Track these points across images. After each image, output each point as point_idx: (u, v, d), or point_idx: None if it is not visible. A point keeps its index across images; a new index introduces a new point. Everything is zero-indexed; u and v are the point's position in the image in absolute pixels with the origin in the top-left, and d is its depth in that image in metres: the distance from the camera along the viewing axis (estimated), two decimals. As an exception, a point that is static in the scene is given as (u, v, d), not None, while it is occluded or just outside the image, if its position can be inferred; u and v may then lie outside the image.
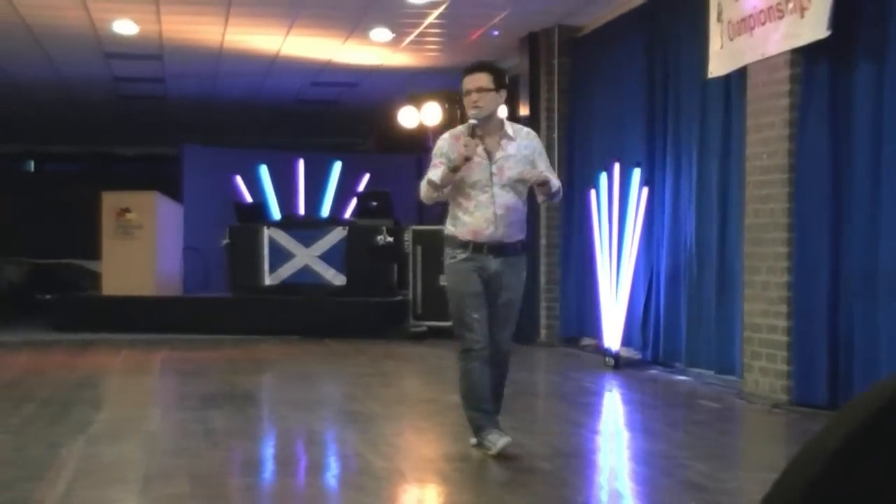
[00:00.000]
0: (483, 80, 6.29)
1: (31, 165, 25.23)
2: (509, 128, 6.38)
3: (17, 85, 16.79)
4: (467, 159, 6.13)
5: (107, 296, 15.41)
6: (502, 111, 6.59)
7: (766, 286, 8.41)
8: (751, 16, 8.47)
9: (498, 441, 6.15)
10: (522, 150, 6.32)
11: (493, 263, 6.26)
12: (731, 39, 8.82)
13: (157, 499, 5.18)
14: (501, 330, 6.35)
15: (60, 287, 18.25)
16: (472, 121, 6.22)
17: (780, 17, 8.05)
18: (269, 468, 6.36)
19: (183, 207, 17.84)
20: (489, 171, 6.24)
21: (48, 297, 16.60)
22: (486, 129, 6.28)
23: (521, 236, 6.36)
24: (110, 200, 15.54)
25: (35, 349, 12.78)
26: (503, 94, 6.37)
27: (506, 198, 6.24)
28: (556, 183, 6.31)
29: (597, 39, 12.55)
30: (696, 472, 5.82)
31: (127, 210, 15.42)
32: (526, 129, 6.56)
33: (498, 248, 6.26)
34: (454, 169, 6.15)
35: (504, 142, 6.31)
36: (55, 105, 18.66)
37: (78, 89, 17.19)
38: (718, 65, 9.13)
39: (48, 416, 7.68)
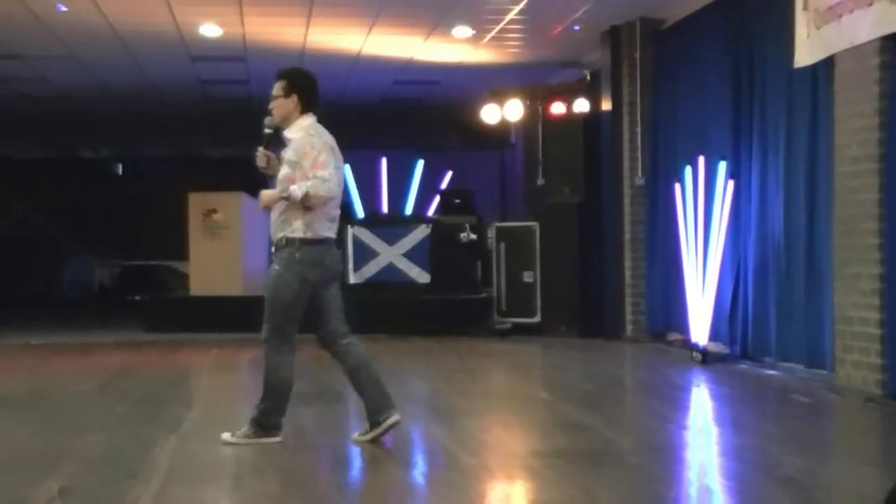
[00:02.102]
0: (275, 88, 6.62)
1: (120, 168, 25.63)
2: (293, 132, 6.56)
3: (106, 89, 17.07)
4: (262, 169, 6.57)
5: (195, 296, 15.59)
6: (308, 117, 6.63)
7: (858, 278, 8.27)
8: (839, 3, 8.32)
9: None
10: (289, 153, 6.52)
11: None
12: (818, 28, 8.68)
13: (249, 497, 5.23)
14: None
15: (149, 288, 18.53)
16: (266, 130, 6.58)
17: (870, 4, 7.90)
18: (358, 465, 6.39)
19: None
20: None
21: (138, 297, 16.84)
22: (285, 135, 6.60)
23: (282, 233, 6.49)
24: (197, 201, 15.71)
25: (127, 349, 12.97)
26: (294, 98, 6.58)
27: None
28: (296, 190, 6.33)
29: (680, 32, 12.43)
30: (791, 468, 5.74)
31: (213, 211, 15.58)
32: (303, 133, 6.53)
33: (272, 245, 6.61)
34: (270, 176, 6.61)
35: (287, 146, 6.57)
36: (143, 109, 18.93)
37: (165, 93, 17.42)
38: (805, 54, 8.98)
39: (141, 415, 7.80)
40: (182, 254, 16.25)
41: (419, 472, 6.05)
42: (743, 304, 10.61)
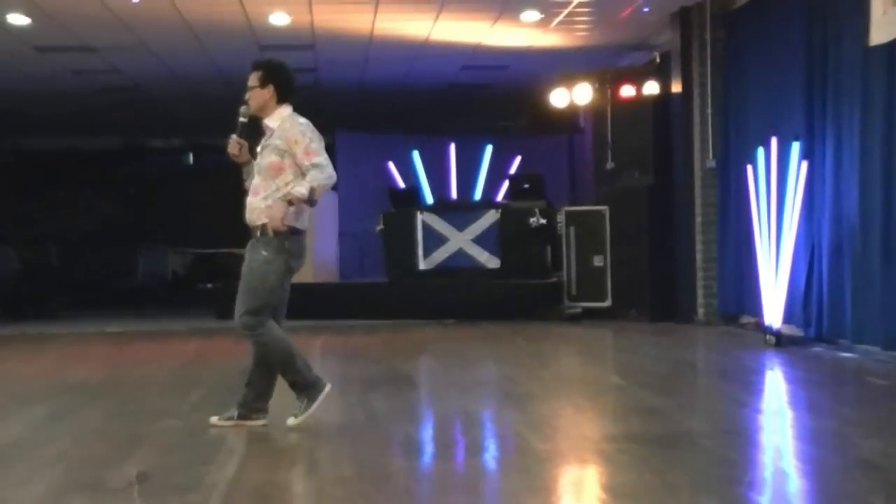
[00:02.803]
0: (251, 78, 6.74)
1: (191, 158, 25.87)
2: (274, 121, 6.66)
3: (176, 79, 17.23)
4: (234, 156, 6.72)
5: (266, 283, 15.69)
6: (286, 107, 6.73)
7: (936, 259, 8.12)
8: (914, -21, 8.17)
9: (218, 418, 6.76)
10: (275, 142, 6.59)
11: (248, 244, 6.70)
12: (894, 5, 8.53)
13: (323, 481, 5.26)
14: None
15: (221, 275, 18.69)
16: (241, 119, 6.71)
17: (946, -20, 7.75)
18: (430, 450, 6.40)
19: (337, 194, 18.06)
20: (255, 163, 6.69)
21: (210, 285, 17.01)
22: (266, 124, 6.70)
23: (264, 220, 6.55)
24: (267, 189, 15.79)
25: (200, 337, 13.11)
26: (270, 88, 6.68)
27: (255, 185, 6.64)
28: (302, 190, 6.41)
29: (752, 11, 12.27)
30: (869, 450, 5.66)
31: (284, 199, 15.66)
32: (290, 122, 6.63)
33: (251, 231, 6.70)
34: (240, 163, 6.79)
35: (267, 134, 6.66)
36: (212, 98, 19.08)
37: (234, 81, 17.53)
38: (881, 32, 8.84)
39: (215, 402, 7.86)
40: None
41: (491, 456, 6.04)
42: (817, 286, 10.47)
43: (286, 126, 6.61)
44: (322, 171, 6.45)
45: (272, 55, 15.87)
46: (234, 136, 6.72)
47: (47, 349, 12.13)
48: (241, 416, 6.68)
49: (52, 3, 12.33)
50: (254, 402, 6.70)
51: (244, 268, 6.65)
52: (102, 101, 19.23)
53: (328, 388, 6.67)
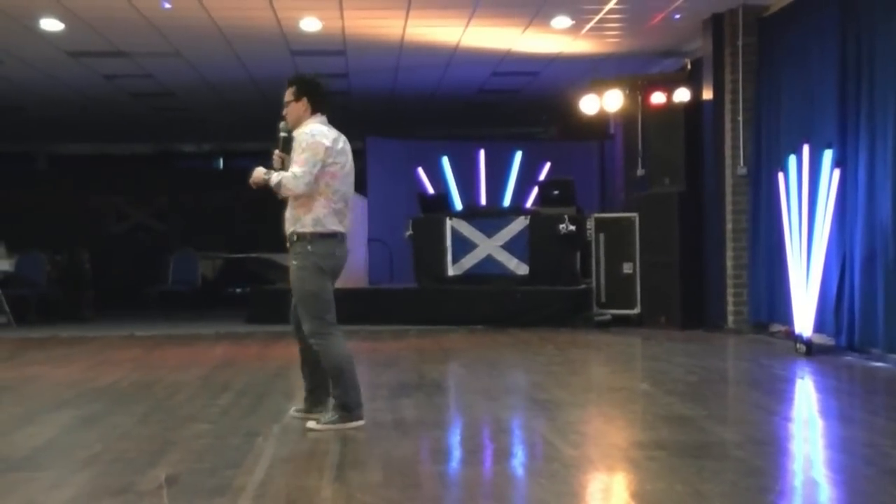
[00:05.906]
0: (287, 94, 6.95)
1: (220, 162, 25.97)
2: (298, 131, 6.81)
3: (208, 84, 17.31)
4: (278, 170, 6.78)
5: (295, 288, 15.74)
6: (316, 118, 6.90)
7: (969, 268, 8.06)
8: (948, -14, 8.12)
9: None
10: (293, 151, 6.79)
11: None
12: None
13: (351, 486, 5.26)
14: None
15: (250, 280, 18.76)
16: (281, 134, 6.89)
17: (980, -13, 7.69)
18: (458, 456, 6.39)
19: (367, 200, 18.10)
20: None
21: (239, 290, 17.05)
22: (294, 135, 6.87)
23: (293, 228, 6.83)
24: (297, 195, 15.83)
25: (229, 341, 13.15)
26: (303, 101, 6.88)
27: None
28: (274, 178, 6.70)
29: (785, 18, 12.22)
30: (900, 461, 5.62)
31: (313, 204, 15.68)
32: (306, 131, 6.78)
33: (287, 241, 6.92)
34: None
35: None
36: (243, 103, 19.17)
37: (265, 87, 17.61)
38: (914, 39, 8.78)
39: (244, 406, 7.90)
40: (282, 246, 16.40)
41: (520, 463, 6.03)
42: (849, 295, 10.41)
43: (299, 136, 6.81)
44: (294, 179, 6.67)
45: (304, 60, 15.99)
46: (276, 151, 6.88)
47: (78, 353, 12.19)
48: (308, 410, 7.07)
49: (86, 9, 12.42)
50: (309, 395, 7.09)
51: (291, 282, 6.91)
52: (134, 107, 19.34)
53: (361, 423, 6.82)
